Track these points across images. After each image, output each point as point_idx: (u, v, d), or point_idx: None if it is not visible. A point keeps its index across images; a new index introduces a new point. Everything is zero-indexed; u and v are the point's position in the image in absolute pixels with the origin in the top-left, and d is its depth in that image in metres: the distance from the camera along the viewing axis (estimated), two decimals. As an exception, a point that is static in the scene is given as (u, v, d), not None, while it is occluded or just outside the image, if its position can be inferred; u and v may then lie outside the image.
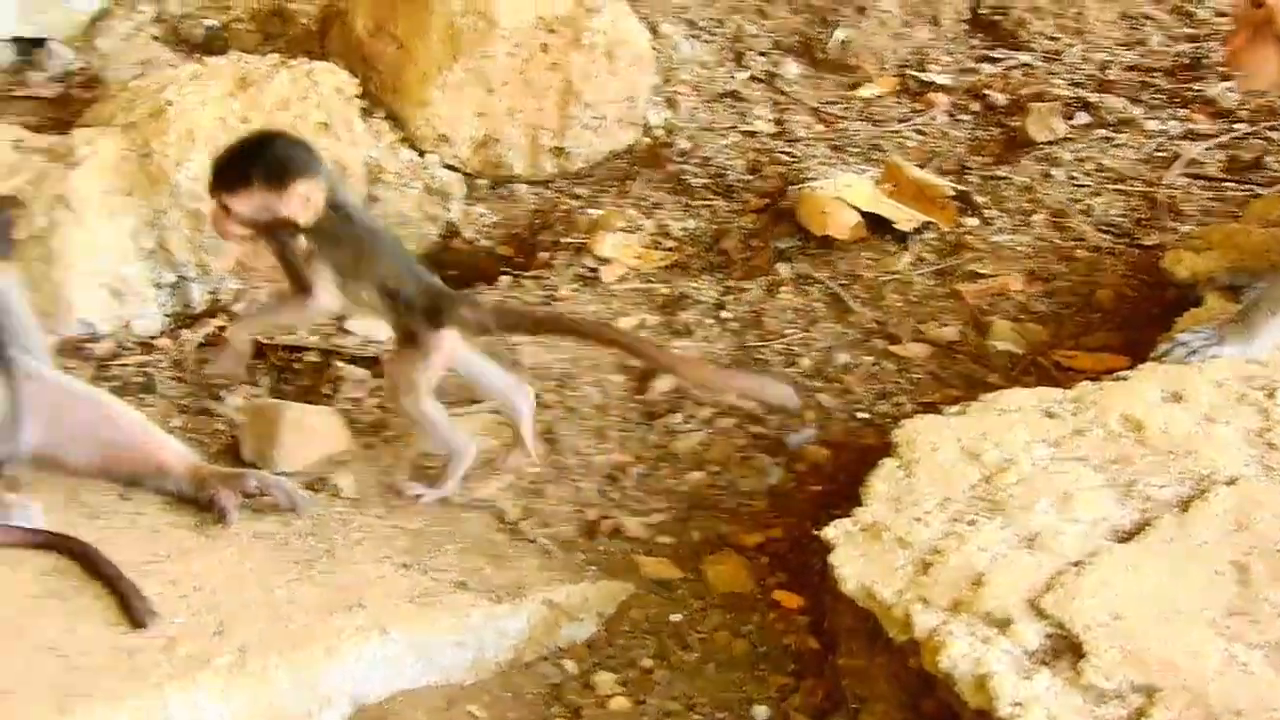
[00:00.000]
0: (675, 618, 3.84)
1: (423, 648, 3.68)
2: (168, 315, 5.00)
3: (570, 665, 3.78)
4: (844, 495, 4.02)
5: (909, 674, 3.49)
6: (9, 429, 3.91)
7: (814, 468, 4.22)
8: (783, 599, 3.87)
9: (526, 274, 5.10)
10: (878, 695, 3.58)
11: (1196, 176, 5.24)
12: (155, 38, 6.00)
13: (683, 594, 3.88)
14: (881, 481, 3.86)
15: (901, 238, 4.95)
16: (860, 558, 3.61)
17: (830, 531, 3.69)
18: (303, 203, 3.84)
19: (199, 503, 3.95)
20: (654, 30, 6.02)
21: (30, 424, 3.97)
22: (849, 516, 3.75)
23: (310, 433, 4.23)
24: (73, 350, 4.74)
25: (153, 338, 4.90)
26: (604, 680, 3.73)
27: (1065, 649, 3.33)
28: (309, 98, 5.15)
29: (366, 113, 5.40)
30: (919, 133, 5.70)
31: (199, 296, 5.03)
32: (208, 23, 6.11)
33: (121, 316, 4.90)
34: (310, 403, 4.43)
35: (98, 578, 3.65)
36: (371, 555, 3.87)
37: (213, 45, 5.93)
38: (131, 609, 3.56)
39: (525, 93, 5.56)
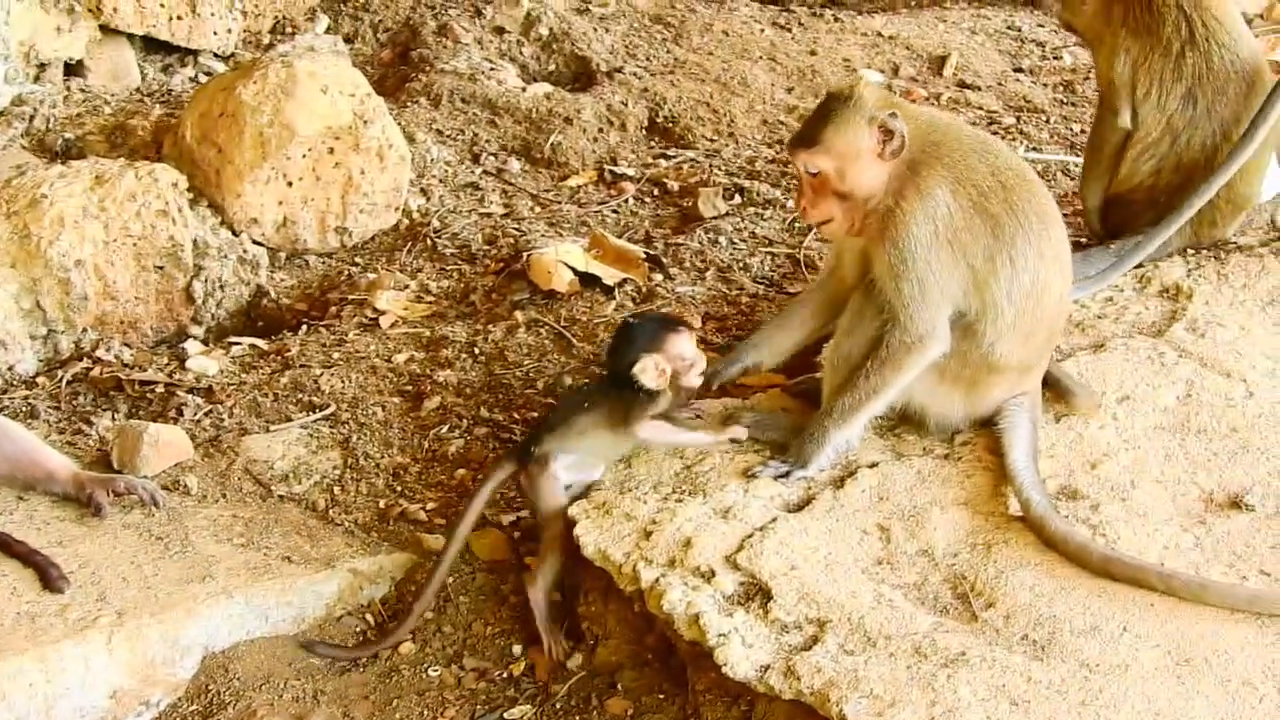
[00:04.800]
0: (451, 580, 4.05)
1: (259, 607, 3.87)
2: (41, 360, 5.09)
3: (370, 619, 4.03)
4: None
5: (635, 617, 3.74)
6: None
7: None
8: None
9: (320, 323, 5.19)
10: (610, 634, 3.83)
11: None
12: (24, 147, 5.98)
13: (456, 562, 4.05)
14: (609, 470, 4.04)
15: (608, 290, 5.07)
16: (596, 529, 3.79)
17: (574, 509, 3.88)
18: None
19: (80, 501, 4.09)
20: (411, 138, 6.11)
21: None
22: (585, 498, 3.93)
23: (164, 446, 4.34)
24: (-33, 389, 4.76)
25: (34, 377, 4.99)
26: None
27: (755, 593, 3.54)
28: (150, 191, 5.25)
29: (194, 202, 5.46)
30: (614, 212, 5.83)
31: (66, 345, 5.14)
32: (66, 135, 6.12)
33: (6, 361, 4.99)
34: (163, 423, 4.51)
35: (14, 557, 3.81)
36: (215, 538, 4.04)
37: (70, 153, 5.95)
38: (49, 579, 3.76)
39: (316, 185, 5.63)
